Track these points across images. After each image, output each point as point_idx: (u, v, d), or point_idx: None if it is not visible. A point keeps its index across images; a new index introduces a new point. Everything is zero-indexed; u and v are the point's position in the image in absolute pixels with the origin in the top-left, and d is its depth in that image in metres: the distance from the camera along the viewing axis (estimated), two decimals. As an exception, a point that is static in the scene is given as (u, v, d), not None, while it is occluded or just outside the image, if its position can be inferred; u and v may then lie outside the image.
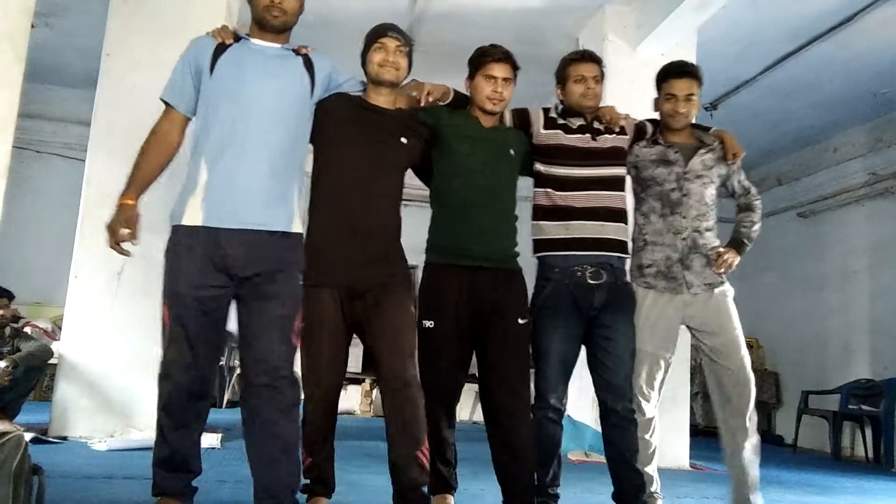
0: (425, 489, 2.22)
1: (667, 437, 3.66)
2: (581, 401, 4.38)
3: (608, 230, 2.53)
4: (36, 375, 4.40)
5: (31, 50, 2.69)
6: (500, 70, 2.47)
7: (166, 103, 2.23)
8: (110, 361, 3.91)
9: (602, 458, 2.70)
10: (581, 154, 2.56)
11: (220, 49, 2.21)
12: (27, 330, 5.28)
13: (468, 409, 6.57)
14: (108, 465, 3.05)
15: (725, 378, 2.57)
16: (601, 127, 2.61)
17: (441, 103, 2.53)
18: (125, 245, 2.09)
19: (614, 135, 2.62)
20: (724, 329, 2.59)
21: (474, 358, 2.49)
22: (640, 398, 2.57)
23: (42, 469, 1.83)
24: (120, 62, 4.17)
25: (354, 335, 2.36)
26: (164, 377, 2.15)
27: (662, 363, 2.60)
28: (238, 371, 2.42)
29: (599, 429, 2.64)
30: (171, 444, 2.13)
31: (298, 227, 2.22)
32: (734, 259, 2.62)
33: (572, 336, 2.50)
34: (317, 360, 2.26)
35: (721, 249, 2.62)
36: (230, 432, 4.05)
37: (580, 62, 2.60)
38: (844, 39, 5.25)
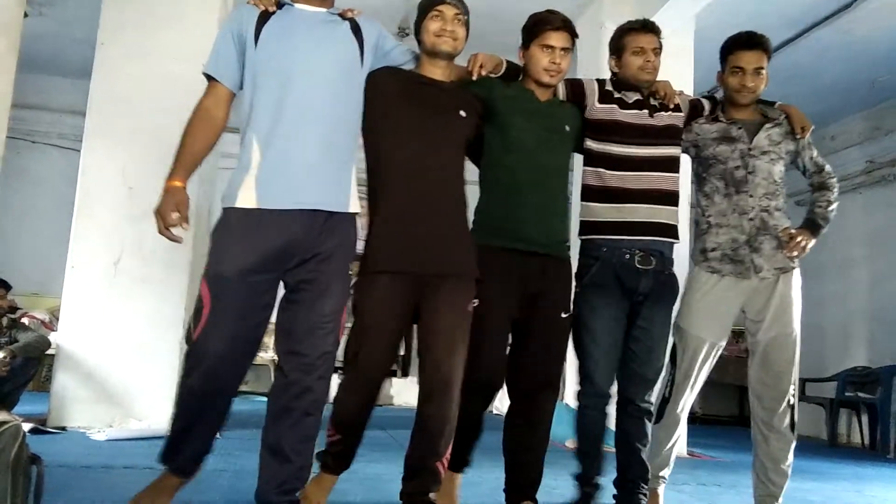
0: (433, 496, 2.16)
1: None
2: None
3: (661, 214, 2.40)
4: (34, 366, 4.41)
5: (25, 39, 2.68)
6: (558, 39, 2.29)
7: (210, 78, 2.07)
8: (108, 351, 3.91)
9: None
10: (638, 132, 2.41)
11: (264, 17, 2.05)
12: (25, 321, 5.28)
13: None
14: (106, 455, 3.05)
15: (762, 374, 2.46)
16: (657, 103, 2.47)
17: (493, 75, 2.35)
18: (176, 231, 1.94)
19: (670, 112, 2.48)
20: (781, 324, 2.44)
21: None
22: (678, 392, 2.49)
23: (40, 459, 1.83)
24: (114, 52, 4.13)
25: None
26: (195, 365, 1.96)
27: (715, 352, 2.49)
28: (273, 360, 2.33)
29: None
30: (188, 425, 2.01)
31: (356, 206, 2.08)
32: (808, 241, 2.44)
33: (621, 317, 2.39)
34: (373, 348, 2.10)
35: (793, 231, 2.46)
36: (229, 422, 4.04)
37: (639, 32, 2.43)
38: (843, 26, 5.23)
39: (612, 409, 2.45)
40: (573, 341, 2.43)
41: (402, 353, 6.80)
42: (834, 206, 2.56)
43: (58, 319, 4.51)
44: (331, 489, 2.22)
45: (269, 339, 2.12)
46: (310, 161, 1.99)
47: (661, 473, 2.58)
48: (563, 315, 2.33)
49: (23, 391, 4.35)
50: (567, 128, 2.40)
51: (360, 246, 2.16)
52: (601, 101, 2.44)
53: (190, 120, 2.04)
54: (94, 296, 3.95)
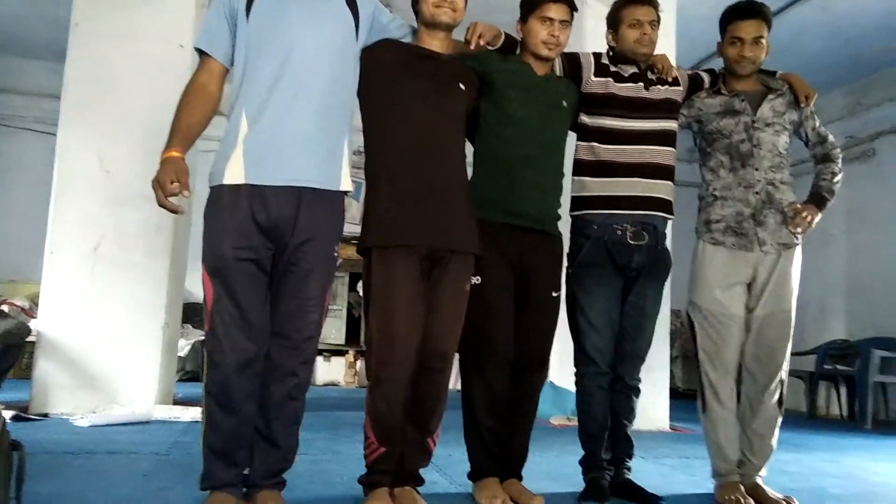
0: (421, 471, 2.17)
1: (647, 400, 3.71)
2: (563, 366, 4.41)
3: (656, 188, 2.38)
4: (14, 353, 4.34)
5: (-5, 20, 2.61)
6: (557, 11, 2.25)
7: (201, 52, 2.00)
8: (89, 337, 3.88)
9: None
10: (633, 105, 2.39)
11: None
12: (4, 308, 5.22)
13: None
14: (89, 441, 3.04)
15: (756, 350, 2.43)
16: (654, 77, 2.44)
17: (491, 47, 2.31)
18: (176, 200, 1.86)
19: (667, 86, 2.46)
20: (778, 300, 2.43)
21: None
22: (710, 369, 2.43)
23: (21, 445, 1.81)
24: (88, 33, 4.04)
25: None
26: (215, 351, 1.91)
27: (741, 325, 2.44)
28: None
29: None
30: (223, 430, 1.92)
31: (348, 184, 2.05)
32: (814, 216, 2.42)
33: (615, 295, 2.38)
34: (391, 335, 2.02)
35: (799, 206, 2.42)
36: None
37: (636, 5, 2.39)
38: (824, 3, 5.25)
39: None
40: (569, 322, 2.43)
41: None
42: (839, 177, 2.52)
43: (37, 306, 4.47)
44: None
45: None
46: (303, 136, 1.95)
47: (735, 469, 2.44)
48: (554, 294, 2.33)
49: (3, 379, 4.30)
50: (564, 103, 2.37)
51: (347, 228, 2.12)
52: (597, 74, 2.42)
53: (184, 94, 1.98)
54: (74, 281, 3.91)
